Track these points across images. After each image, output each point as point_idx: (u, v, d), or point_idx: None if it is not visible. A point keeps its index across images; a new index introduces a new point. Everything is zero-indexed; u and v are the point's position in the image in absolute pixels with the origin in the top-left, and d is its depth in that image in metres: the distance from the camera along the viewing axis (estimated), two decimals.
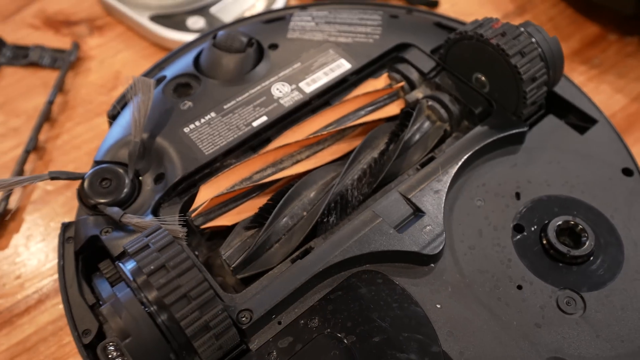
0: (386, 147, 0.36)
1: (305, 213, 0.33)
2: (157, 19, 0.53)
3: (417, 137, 0.36)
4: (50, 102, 0.48)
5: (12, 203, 0.43)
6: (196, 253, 0.32)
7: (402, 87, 0.39)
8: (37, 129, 0.47)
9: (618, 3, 0.52)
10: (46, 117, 0.48)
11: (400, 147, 0.35)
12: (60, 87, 0.50)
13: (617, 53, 0.55)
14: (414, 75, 0.39)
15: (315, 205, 0.33)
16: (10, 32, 0.55)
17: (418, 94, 0.39)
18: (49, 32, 0.55)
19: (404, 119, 0.37)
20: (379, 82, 0.39)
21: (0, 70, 0.52)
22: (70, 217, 0.41)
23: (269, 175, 0.34)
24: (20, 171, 0.44)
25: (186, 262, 0.25)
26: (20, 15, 0.57)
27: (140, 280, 0.25)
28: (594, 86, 0.52)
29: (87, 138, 0.48)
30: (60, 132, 0.48)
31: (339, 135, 0.37)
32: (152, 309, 0.25)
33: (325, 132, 0.36)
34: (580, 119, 0.38)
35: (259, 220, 0.32)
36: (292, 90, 0.37)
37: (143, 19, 0.53)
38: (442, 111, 0.37)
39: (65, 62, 0.52)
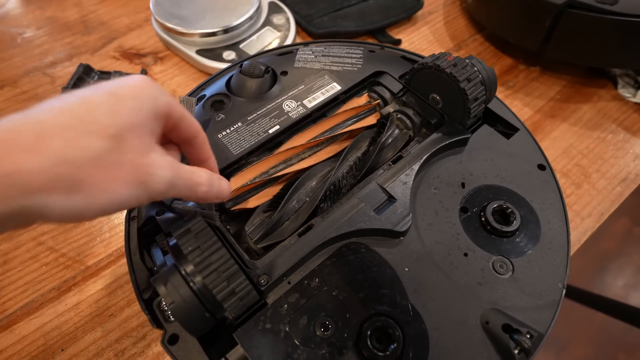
0: (367, 148, 0.31)
1: (308, 198, 0.28)
2: (202, 52, 0.47)
3: (389, 141, 0.31)
4: None
5: None
6: (228, 227, 0.27)
7: (378, 104, 0.34)
8: None
9: (527, 43, 0.47)
10: None
11: (378, 149, 0.30)
12: None
13: (525, 78, 0.49)
14: (387, 95, 0.34)
15: (315, 193, 0.28)
16: (97, 62, 0.49)
17: (390, 108, 0.34)
18: (125, 61, 0.49)
19: (380, 128, 0.32)
20: (361, 100, 0.34)
21: None
22: None
23: (280, 170, 0.30)
24: None
25: (216, 244, 0.21)
26: (104, 49, 0.51)
27: (181, 257, 0.20)
28: (509, 102, 0.47)
29: None
30: None
31: (332, 139, 0.32)
32: (189, 279, 0.20)
33: (322, 137, 0.31)
34: (507, 128, 0.33)
35: (273, 205, 0.28)
36: (297, 105, 0.32)
37: (192, 53, 0.47)
38: (408, 122, 0.32)
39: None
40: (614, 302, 0.76)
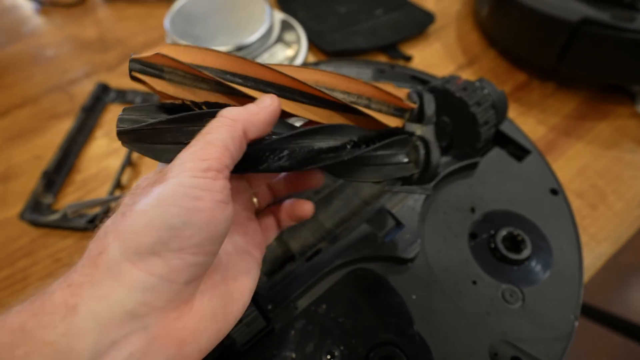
0: None
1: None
2: None
3: None
4: None
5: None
6: None
7: (411, 110, 0.23)
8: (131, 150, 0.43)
9: (541, 59, 0.47)
10: None
11: None
12: None
13: (539, 95, 0.49)
14: None
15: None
16: (113, 80, 0.51)
17: (417, 129, 0.30)
18: None
19: None
20: (399, 92, 0.23)
21: (106, 106, 0.48)
22: None
23: (237, 84, 0.20)
24: (118, 180, 0.40)
25: None
26: (121, 67, 0.52)
27: None
28: (522, 119, 0.47)
29: None
30: None
31: (334, 105, 0.22)
32: None
33: (326, 93, 0.21)
34: (518, 150, 0.33)
35: None
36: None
37: None
38: (422, 152, 0.32)
39: (151, 101, 0.47)
40: (632, 324, 0.74)
